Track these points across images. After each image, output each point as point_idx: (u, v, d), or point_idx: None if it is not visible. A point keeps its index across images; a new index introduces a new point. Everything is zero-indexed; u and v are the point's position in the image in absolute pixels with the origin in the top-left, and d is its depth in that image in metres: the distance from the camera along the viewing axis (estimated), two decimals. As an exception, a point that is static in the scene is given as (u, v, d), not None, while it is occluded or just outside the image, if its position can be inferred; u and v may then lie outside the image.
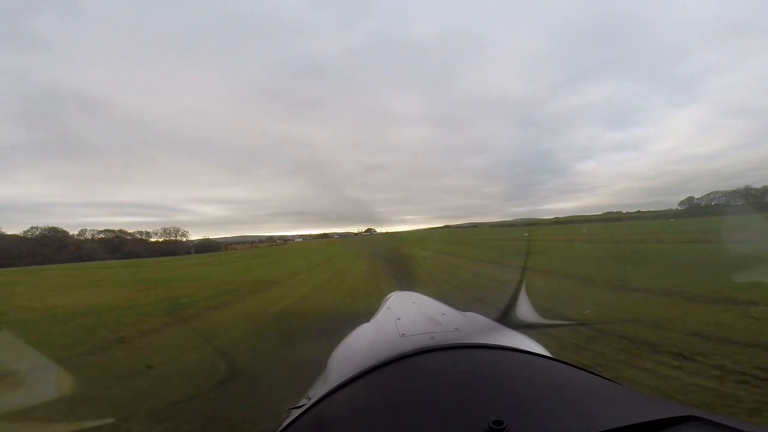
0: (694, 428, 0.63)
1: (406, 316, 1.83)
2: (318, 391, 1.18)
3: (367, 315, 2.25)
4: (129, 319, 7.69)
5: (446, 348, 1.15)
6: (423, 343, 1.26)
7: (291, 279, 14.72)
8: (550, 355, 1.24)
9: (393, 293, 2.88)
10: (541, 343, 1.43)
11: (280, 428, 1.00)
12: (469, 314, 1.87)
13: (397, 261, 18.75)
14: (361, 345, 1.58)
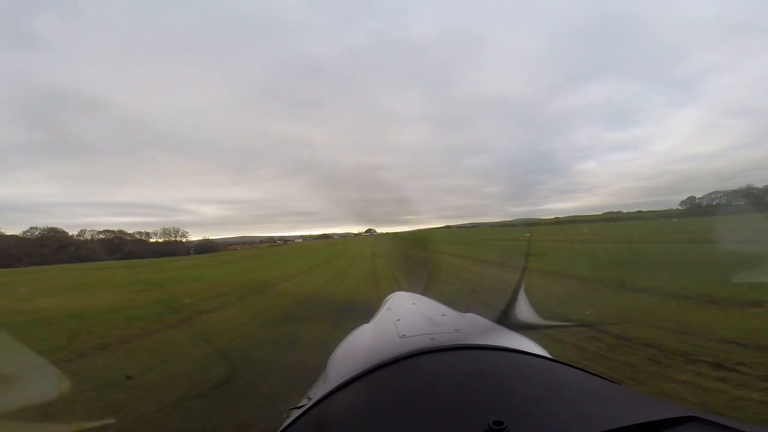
0: (694, 428, 0.63)
1: (406, 317, 1.82)
2: (318, 391, 1.17)
3: (366, 316, 2.22)
4: (116, 323, 7.32)
5: (446, 349, 1.15)
6: (423, 344, 1.26)
7: (288, 281, 14.35)
8: (549, 355, 1.23)
9: (393, 294, 2.85)
10: (540, 344, 1.42)
11: (281, 428, 1.00)
12: (469, 315, 1.86)
13: (398, 262, 18.36)
14: (361, 346, 1.58)
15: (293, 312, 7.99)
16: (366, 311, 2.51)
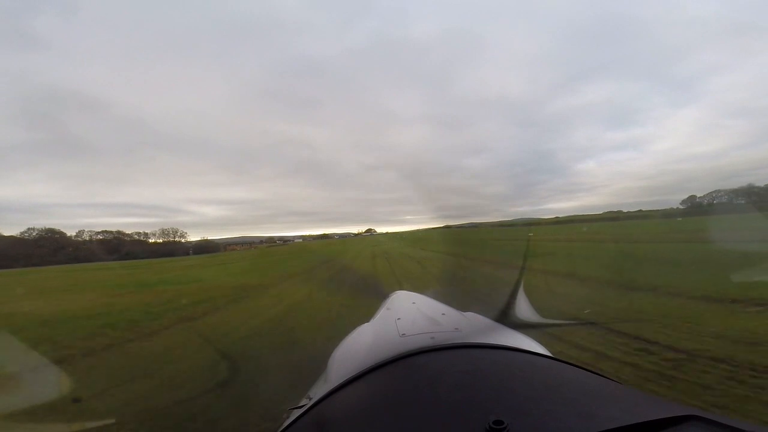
0: (694, 428, 0.63)
1: (406, 316, 1.82)
2: (318, 391, 1.18)
3: (366, 319, 2.19)
4: (87, 331, 6.74)
5: (446, 348, 1.15)
6: (423, 343, 1.25)
7: (282, 283, 13.71)
8: (550, 354, 1.23)
9: (393, 293, 2.84)
10: (541, 343, 1.41)
11: (281, 428, 1.01)
12: (469, 314, 1.86)
13: (400, 263, 17.73)
14: (362, 345, 1.57)
15: (281, 321, 7.25)
16: (363, 319, 2.26)
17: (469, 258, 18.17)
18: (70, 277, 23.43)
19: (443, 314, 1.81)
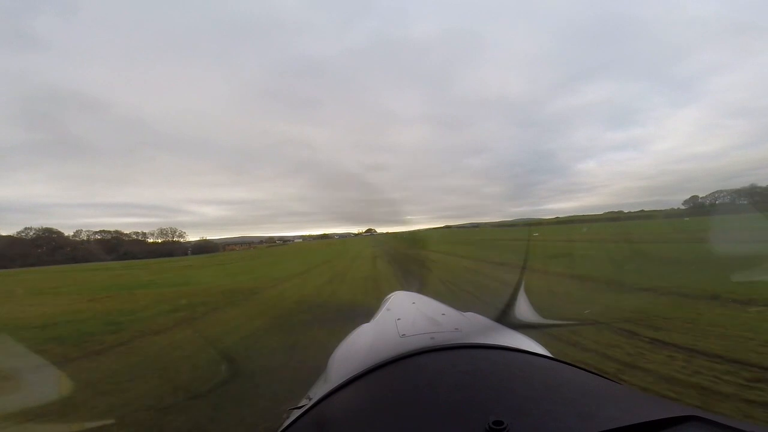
0: (694, 428, 0.63)
1: (406, 317, 1.81)
2: (318, 391, 1.17)
3: (366, 319, 2.12)
4: (23, 347, 5.64)
5: (446, 348, 1.14)
6: (423, 344, 1.25)
7: (276, 287, 12.64)
8: (550, 354, 1.21)
9: (393, 293, 2.80)
10: (541, 343, 1.40)
11: (281, 428, 1.00)
12: (469, 314, 1.85)
13: (402, 265, 16.63)
14: (362, 345, 1.56)
15: (265, 335, 6.13)
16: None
17: (490, 262, 16.82)
18: (55, 278, 22.56)
19: (443, 314, 1.81)
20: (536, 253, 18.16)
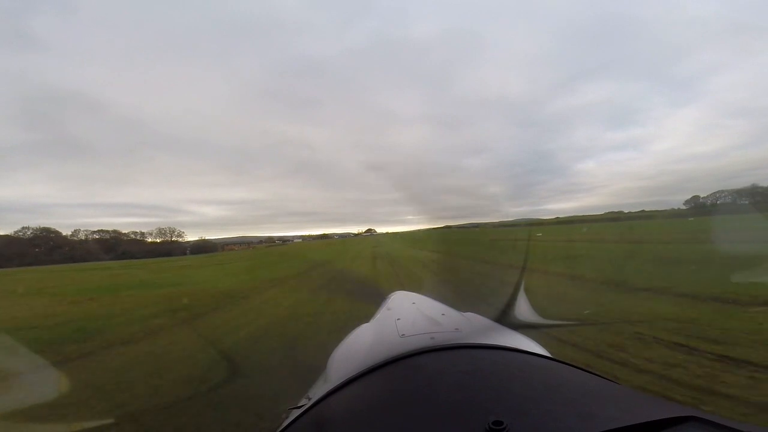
0: (694, 428, 0.63)
1: (406, 317, 1.81)
2: (318, 391, 1.17)
3: (366, 319, 2.14)
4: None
5: (446, 348, 1.14)
6: (423, 344, 1.24)
7: (268, 290, 11.91)
8: (549, 355, 1.21)
9: (393, 293, 2.77)
10: (540, 343, 1.40)
11: (280, 428, 0.99)
12: (469, 314, 1.86)
13: (404, 267, 15.92)
14: (361, 345, 1.56)
15: (247, 347, 5.42)
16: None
17: (490, 263, 16.02)
18: (46, 278, 21.95)
19: (443, 315, 1.80)
20: (542, 254, 17.40)
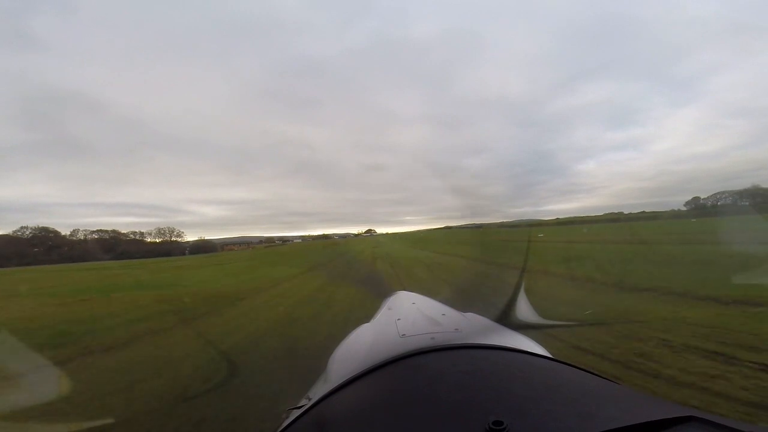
0: (694, 428, 0.63)
1: (406, 317, 1.81)
2: (318, 391, 1.17)
3: (366, 319, 2.12)
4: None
5: (446, 348, 1.14)
6: (423, 344, 1.24)
7: (264, 293, 11.51)
8: (550, 355, 1.21)
9: (394, 293, 2.76)
10: (541, 344, 1.39)
11: (280, 429, 0.99)
12: (469, 315, 1.85)
13: (406, 269, 15.52)
14: (361, 345, 1.56)
15: (238, 357, 4.94)
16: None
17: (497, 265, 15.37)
18: (41, 278, 21.60)
19: (443, 315, 1.80)
20: (554, 256, 16.89)
